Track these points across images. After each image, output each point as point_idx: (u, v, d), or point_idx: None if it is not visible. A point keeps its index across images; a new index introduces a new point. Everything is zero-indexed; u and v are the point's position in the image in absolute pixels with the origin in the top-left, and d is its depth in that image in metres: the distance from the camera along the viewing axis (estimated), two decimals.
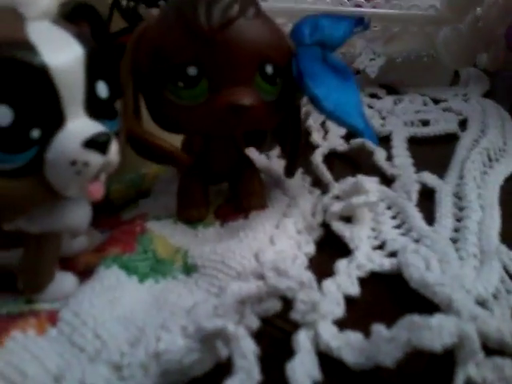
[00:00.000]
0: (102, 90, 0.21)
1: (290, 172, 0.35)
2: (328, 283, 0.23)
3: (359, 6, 0.61)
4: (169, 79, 0.27)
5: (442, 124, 0.49)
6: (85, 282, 0.24)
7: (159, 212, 0.32)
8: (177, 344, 0.20)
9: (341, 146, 0.44)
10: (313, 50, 0.29)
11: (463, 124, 0.49)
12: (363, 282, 0.25)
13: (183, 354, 0.19)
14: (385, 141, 0.45)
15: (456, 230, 0.29)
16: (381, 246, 0.28)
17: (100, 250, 0.27)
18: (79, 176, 0.20)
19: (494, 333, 0.19)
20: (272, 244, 0.28)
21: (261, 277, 0.24)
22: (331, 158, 0.42)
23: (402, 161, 0.40)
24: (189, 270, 0.26)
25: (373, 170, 0.39)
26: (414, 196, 0.33)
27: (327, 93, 0.28)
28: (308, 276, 0.22)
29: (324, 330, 0.20)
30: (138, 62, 0.28)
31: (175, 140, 0.32)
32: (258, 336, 0.20)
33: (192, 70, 0.26)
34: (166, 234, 0.29)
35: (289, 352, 0.19)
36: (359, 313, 0.23)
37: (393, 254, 0.27)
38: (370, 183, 0.31)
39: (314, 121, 0.50)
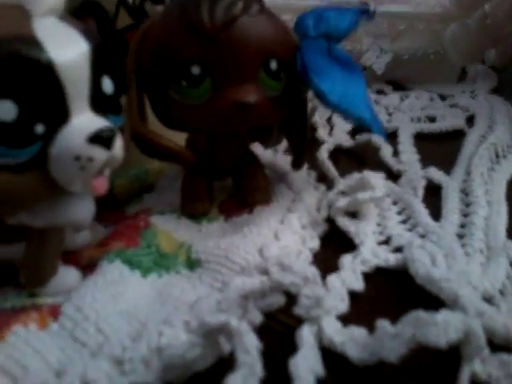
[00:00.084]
0: (107, 85, 0.21)
1: (297, 165, 0.35)
2: (332, 278, 0.23)
3: (365, 3, 0.61)
4: (172, 78, 0.27)
5: (449, 120, 0.49)
6: (88, 276, 0.24)
7: (163, 207, 0.32)
8: (179, 339, 0.20)
9: (347, 141, 0.44)
10: (317, 42, 0.29)
11: (470, 120, 0.49)
12: (368, 277, 0.25)
13: (185, 348, 0.18)
14: (391, 137, 0.45)
15: (462, 226, 0.29)
16: (386, 242, 0.28)
17: (103, 245, 0.27)
18: (83, 171, 0.20)
19: (500, 329, 0.19)
20: (276, 239, 0.27)
21: (265, 272, 0.24)
22: (337, 153, 0.42)
23: (408, 157, 0.40)
24: (192, 264, 0.26)
25: (379, 165, 0.38)
26: (420, 192, 0.33)
27: (332, 86, 0.28)
28: (312, 271, 0.21)
29: (328, 326, 0.20)
30: (141, 60, 0.28)
31: (179, 138, 0.32)
32: (261, 331, 0.19)
33: (195, 69, 0.26)
34: (170, 229, 0.29)
35: (292, 347, 0.19)
36: (363, 308, 0.23)
37: (398, 250, 0.26)
38: (376, 179, 0.30)
39: (319, 116, 0.50)
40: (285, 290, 0.21)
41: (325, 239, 0.29)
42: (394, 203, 0.32)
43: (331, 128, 0.48)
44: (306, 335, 0.19)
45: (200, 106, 0.27)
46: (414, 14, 0.62)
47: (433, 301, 0.22)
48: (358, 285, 0.24)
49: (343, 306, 0.22)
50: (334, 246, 0.28)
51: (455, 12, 0.61)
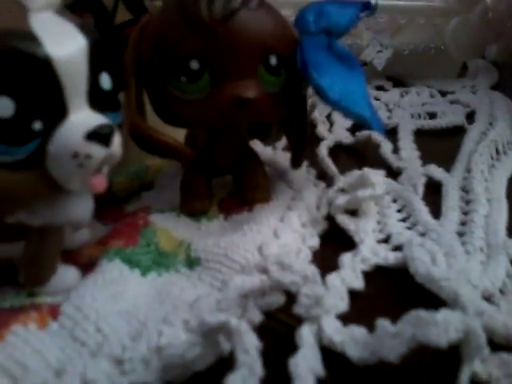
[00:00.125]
0: (106, 81, 0.21)
1: (296, 163, 0.34)
2: (332, 277, 0.23)
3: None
4: (171, 73, 0.26)
5: (450, 116, 0.49)
6: (87, 274, 0.24)
7: (162, 205, 0.32)
8: (179, 338, 0.20)
9: (346, 138, 0.43)
10: (318, 38, 0.28)
11: (471, 116, 0.49)
12: (368, 275, 0.25)
13: (185, 348, 0.18)
14: (391, 133, 0.45)
15: (462, 224, 0.29)
16: (386, 240, 0.28)
17: (103, 243, 0.27)
18: (81, 168, 0.20)
19: (500, 328, 0.19)
20: (276, 237, 0.27)
21: (264, 271, 0.24)
22: (337, 150, 0.42)
23: (408, 153, 0.39)
24: (192, 263, 0.26)
25: (379, 162, 0.38)
26: (421, 189, 0.33)
27: (332, 82, 0.27)
28: (312, 270, 0.21)
29: (327, 325, 0.20)
30: (140, 56, 0.28)
31: (178, 134, 0.32)
32: (260, 330, 0.19)
33: (194, 64, 0.26)
34: (169, 227, 0.29)
35: (292, 347, 0.19)
36: (363, 307, 0.23)
37: (398, 248, 0.26)
38: (376, 176, 0.30)
39: (319, 113, 0.49)
40: (284, 289, 0.21)
41: (324, 237, 0.29)
42: (394, 201, 0.32)
43: (331, 125, 0.47)
44: (306, 335, 0.19)
45: (199, 101, 0.27)
46: (414, 8, 0.62)
47: (433, 299, 0.22)
48: (358, 283, 0.24)
49: (343, 304, 0.22)
50: (333, 244, 0.28)
51: (456, 6, 0.60)
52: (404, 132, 0.44)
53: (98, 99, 0.20)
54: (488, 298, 0.22)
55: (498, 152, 0.40)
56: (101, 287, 0.23)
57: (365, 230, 0.28)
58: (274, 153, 0.40)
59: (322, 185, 0.34)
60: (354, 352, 0.19)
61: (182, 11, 0.26)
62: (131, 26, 0.47)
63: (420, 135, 0.44)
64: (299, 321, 0.20)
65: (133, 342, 0.20)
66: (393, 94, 0.58)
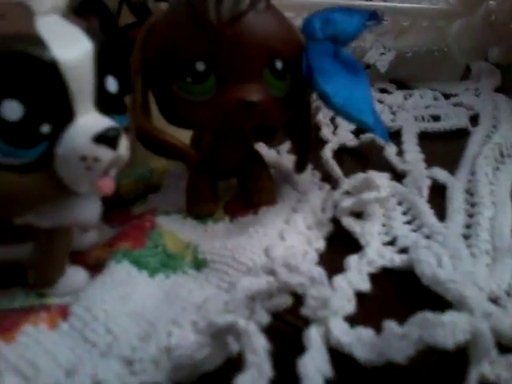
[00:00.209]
0: (112, 84, 0.21)
1: (300, 167, 0.35)
2: (339, 279, 0.23)
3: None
4: (177, 75, 0.27)
5: (453, 119, 0.49)
6: (95, 276, 0.24)
7: (168, 207, 0.32)
8: (188, 339, 0.20)
9: (351, 141, 0.44)
10: (324, 44, 0.29)
11: (474, 119, 0.49)
12: (374, 278, 0.25)
13: (194, 349, 0.19)
14: (395, 136, 0.45)
15: (468, 227, 0.29)
16: (391, 242, 0.28)
17: (110, 245, 0.27)
18: (89, 171, 0.20)
19: (507, 330, 0.19)
20: (282, 240, 0.28)
21: (271, 272, 0.24)
22: (341, 153, 0.42)
23: (412, 156, 0.40)
24: (199, 265, 0.26)
25: (383, 165, 0.38)
26: (425, 192, 0.33)
27: (337, 89, 0.28)
28: (319, 272, 0.21)
29: (335, 326, 0.20)
30: (146, 58, 0.28)
31: (184, 135, 0.32)
32: (268, 332, 0.20)
33: (200, 66, 0.26)
34: (176, 229, 0.29)
35: (299, 348, 0.19)
36: (369, 309, 0.23)
37: (404, 250, 0.27)
38: (381, 179, 0.31)
39: (323, 116, 0.49)
40: (292, 291, 0.22)
41: (330, 239, 0.29)
42: (399, 203, 0.32)
43: (335, 127, 0.48)
44: (314, 336, 0.19)
45: (204, 102, 0.27)
46: (417, 10, 0.62)
47: (438, 301, 0.22)
48: (365, 285, 0.24)
49: (350, 306, 0.22)
50: (339, 246, 0.28)
51: (459, 8, 0.60)
52: (408, 135, 0.45)
53: (104, 102, 0.21)
54: (494, 301, 0.22)
55: (502, 155, 0.40)
56: (109, 288, 0.23)
57: (370, 233, 0.28)
58: (279, 155, 0.40)
59: (327, 187, 0.34)
60: (361, 353, 0.19)
61: (190, 13, 0.26)
62: (135, 29, 0.47)
63: (424, 138, 0.45)
64: (306, 322, 0.20)
65: (142, 343, 0.20)
66: (396, 97, 0.58)
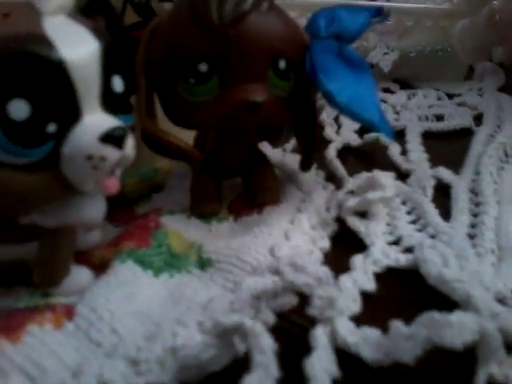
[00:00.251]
0: (118, 84, 0.21)
1: (305, 166, 0.34)
2: (344, 279, 0.23)
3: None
4: (180, 75, 0.27)
5: (457, 119, 0.49)
6: (100, 276, 0.24)
7: (173, 206, 0.32)
8: (193, 339, 0.20)
9: (354, 140, 0.44)
10: (328, 42, 0.29)
11: (478, 119, 0.49)
12: (379, 277, 0.25)
13: (200, 349, 0.18)
14: (399, 135, 0.45)
15: (473, 226, 0.29)
16: (396, 242, 0.28)
17: (115, 245, 0.27)
18: (96, 171, 0.20)
19: None
20: (287, 239, 0.27)
21: (276, 272, 0.24)
22: (345, 152, 0.42)
23: (416, 156, 0.39)
24: (203, 264, 0.26)
25: (387, 164, 0.38)
26: (430, 191, 0.33)
27: (341, 87, 0.27)
28: (325, 271, 0.21)
29: (341, 326, 0.20)
30: (151, 58, 0.28)
31: (188, 136, 0.32)
32: (274, 332, 0.19)
33: (203, 67, 0.26)
34: (180, 229, 0.29)
35: (305, 348, 0.19)
36: (375, 308, 0.23)
37: (409, 250, 0.26)
38: (386, 178, 0.30)
39: (327, 115, 0.49)
40: (297, 291, 0.21)
41: (335, 239, 0.29)
42: (404, 203, 0.32)
43: (339, 127, 0.48)
44: (320, 336, 0.19)
45: (207, 103, 0.27)
46: (421, 10, 0.62)
47: (445, 301, 0.22)
48: (370, 285, 0.24)
49: (355, 306, 0.22)
50: (344, 245, 0.28)
51: (463, 8, 0.60)
52: (412, 134, 0.44)
53: (110, 102, 0.21)
54: (501, 300, 0.22)
55: (506, 154, 0.40)
56: (114, 288, 0.23)
57: (375, 233, 0.28)
58: (283, 155, 0.40)
59: (331, 187, 0.34)
60: (368, 353, 0.19)
61: (193, 14, 0.26)
62: (139, 29, 0.47)
63: (428, 137, 0.44)
64: (312, 322, 0.20)
65: (148, 343, 0.20)
66: (400, 97, 0.58)
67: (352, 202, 0.30)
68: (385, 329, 0.19)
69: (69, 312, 0.21)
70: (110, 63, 0.20)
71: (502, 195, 0.32)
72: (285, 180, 0.35)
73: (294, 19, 0.29)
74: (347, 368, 0.19)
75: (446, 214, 0.30)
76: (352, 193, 0.32)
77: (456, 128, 0.47)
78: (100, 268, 0.25)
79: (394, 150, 0.40)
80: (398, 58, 0.61)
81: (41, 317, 0.21)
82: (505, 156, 0.39)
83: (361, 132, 0.45)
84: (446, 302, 0.22)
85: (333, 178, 0.36)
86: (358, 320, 0.21)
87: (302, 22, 0.31)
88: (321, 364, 0.18)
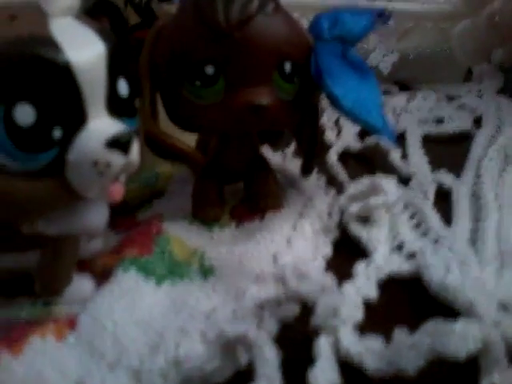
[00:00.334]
0: (123, 87, 0.21)
1: (307, 170, 0.34)
2: (347, 287, 0.23)
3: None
4: (186, 78, 0.27)
5: (457, 121, 0.48)
6: (103, 284, 0.24)
7: (174, 212, 0.32)
8: (196, 350, 0.20)
9: (355, 144, 0.43)
10: (332, 45, 0.28)
11: (478, 121, 0.48)
12: (382, 284, 0.25)
13: (204, 360, 0.18)
14: (399, 139, 0.45)
15: (474, 231, 0.29)
16: (399, 248, 0.28)
17: (117, 252, 0.27)
18: (101, 177, 0.20)
19: None
20: (289, 246, 0.27)
21: (280, 279, 0.24)
22: (345, 156, 0.42)
23: (417, 159, 0.39)
24: (206, 272, 0.26)
25: (388, 168, 0.38)
26: (431, 196, 0.33)
27: (346, 91, 0.27)
28: (328, 280, 0.21)
29: (344, 336, 0.20)
30: (155, 60, 0.28)
31: (190, 140, 0.32)
32: (277, 341, 0.19)
33: (209, 69, 0.26)
34: (182, 235, 0.29)
35: (308, 357, 0.19)
36: (378, 316, 0.23)
37: (411, 256, 0.26)
38: (388, 183, 0.30)
39: (327, 119, 0.49)
40: (301, 300, 0.21)
41: (337, 245, 0.29)
42: (405, 208, 0.32)
43: (339, 131, 0.47)
44: (323, 346, 0.19)
45: (213, 106, 0.27)
46: (421, 11, 0.62)
47: (448, 309, 0.22)
48: (373, 293, 0.24)
49: (358, 314, 0.22)
50: (346, 251, 0.28)
51: (463, 10, 0.60)
52: (412, 138, 0.44)
53: (116, 105, 0.20)
54: (504, 308, 0.22)
55: (507, 157, 0.39)
56: (117, 298, 0.23)
57: (377, 239, 0.28)
58: (284, 160, 0.40)
59: (333, 192, 0.34)
60: (370, 363, 0.19)
61: (198, 16, 0.26)
62: (140, 30, 0.47)
63: (428, 141, 0.44)
64: (316, 331, 0.20)
65: (151, 354, 0.20)
66: (399, 99, 0.58)
67: (354, 208, 0.30)
68: (387, 337, 0.19)
69: (71, 323, 0.21)
70: (115, 66, 0.20)
71: (504, 199, 0.32)
72: (286, 185, 0.35)
73: (298, 21, 0.29)
74: (350, 379, 0.19)
75: (447, 218, 0.30)
76: (354, 198, 0.32)
77: (456, 131, 0.46)
78: (102, 276, 0.25)
79: (395, 154, 0.40)
80: (397, 60, 0.61)
81: (43, 328, 0.21)
82: (506, 158, 0.39)
83: (361, 136, 0.45)
84: (450, 309, 0.22)
85: (333, 183, 0.36)
86: (361, 328, 0.21)
87: (304, 23, 0.30)
88: (324, 375, 0.18)
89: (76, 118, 0.19)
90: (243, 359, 0.18)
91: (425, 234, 0.29)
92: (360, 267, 0.25)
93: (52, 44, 0.18)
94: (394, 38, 0.63)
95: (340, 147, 0.43)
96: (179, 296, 0.24)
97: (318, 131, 0.33)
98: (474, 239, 0.28)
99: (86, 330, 0.21)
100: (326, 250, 0.28)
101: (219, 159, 0.32)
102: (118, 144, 0.19)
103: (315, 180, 0.36)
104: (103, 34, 0.20)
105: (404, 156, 0.41)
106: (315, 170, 0.37)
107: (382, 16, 0.30)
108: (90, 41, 0.20)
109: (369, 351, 0.19)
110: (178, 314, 0.22)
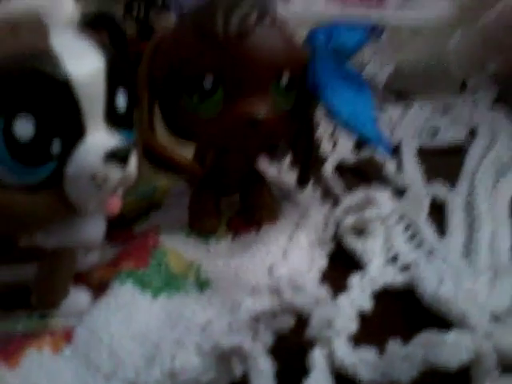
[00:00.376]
0: (122, 100, 0.21)
1: (302, 182, 0.35)
2: (342, 299, 0.23)
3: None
4: (184, 91, 0.27)
5: (452, 133, 0.49)
6: (99, 297, 0.24)
7: (171, 225, 0.32)
8: (192, 362, 0.20)
9: (350, 156, 0.44)
10: (328, 58, 0.29)
11: (473, 132, 0.49)
12: (376, 296, 0.25)
13: (199, 372, 0.19)
14: (394, 150, 0.45)
15: (468, 243, 0.29)
16: (393, 259, 0.28)
17: (114, 265, 0.27)
18: (99, 190, 0.20)
19: (510, 349, 0.19)
20: (285, 257, 0.28)
21: (275, 291, 0.24)
22: (341, 168, 0.42)
23: (412, 171, 0.40)
24: (202, 284, 0.26)
25: (383, 180, 0.38)
26: (426, 208, 0.33)
27: (341, 103, 0.28)
28: (323, 292, 0.22)
29: (339, 347, 0.20)
30: (153, 74, 0.28)
31: (188, 150, 0.32)
32: (272, 352, 0.20)
33: (208, 82, 0.26)
34: (179, 248, 0.29)
35: (303, 368, 0.19)
36: (372, 327, 0.23)
37: (405, 268, 0.27)
38: (382, 196, 0.31)
39: (323, 131, 0.50)
40: (296, 312, 0.22)
41: (332, 257, 0.29)
42: (400, 220, 0.32)
43: (335, 143, 0.48)
44: (318, 358, 0.19)
45: (211, 120, 0.27)
46: (416, 24, 0.63)
47: (442, 320, 0.22)
48: (367, 305, 0.24)
49: (353, 326, 0.22)
50: (341, 263, 0.28)
51: (457, 22, 0.61)
52: (407, 149, 0.45)
53: (114, 118, 0.21)
54: (496, 319, 0.22)
55: (501, 168, 0.40)
56: (114, 310, 0.23)
57: (372, 250, 0.28)
58: (280, 172, 0.40)
59: (328, 204, 0.34)
60: (365, 374, 0.19)
61: (197, 29, 0.26)
62: (139, 42, 0.48)
63: (423, 152, 0.45)
64: (311, 343, 0.21)
65: (147, 366, 0.20)
66: (395, 111, 0.58)
67: (349, 220, 0.30)
68: (381, 348, 0.20)
69: (67, 335, 0.22)
70: (114, 79, 0.20)
71: (497, 210, 0.32)
72: (282, 197, 0.35)
73: (294, 33, 0.29)
74: None
75: (441, 230, 0.31)
76: (349, 210, 0.32)
77: (451, 142, 0.47)
78: (99, 289, 0.25)
79: (390, 165, 0.40)
80: (393, 72, 0.62)
81: (39, 341, 0.21)
82: (500, 170, 0.39)
83: (357, 147, 0.45)
84: (443, 320, 0.22)
85: (329, 195, 0.36)
86: (355, 339, 0.21)
87: (301, 35, 0.31)
88: None
89: (75, 132, 0.19)
90: (238, 370, 0.18)
91: (419, 245, 0.29)
92: (355, 279, 0.26)
93: (52, 58, 0.18)
94: (389, 50, 0.63)
95: (336, 159, 0.43)
96: (175, 309, 0.24)
97: (314, 143, 0.33)
98: (468, 250, 0.28)
99: (83, 343, 0.21)
100: (322, 261, 0.28)
101: (216, 171, 0.32)
102: (117, 158, 0.20)
103: (311, 192, 0.36)
104: (103, 47, 0.21)
105: (399, 168, 0.41)
106: (311, 182, 0.37)
107: (376, 30, 0.31)
108: (89, 54, 0.20)
109: (363, 362, 0.20)
110: (174, 327, 0.23)
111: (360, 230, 0.30)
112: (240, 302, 0.23)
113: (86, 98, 0.19)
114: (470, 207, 0.33)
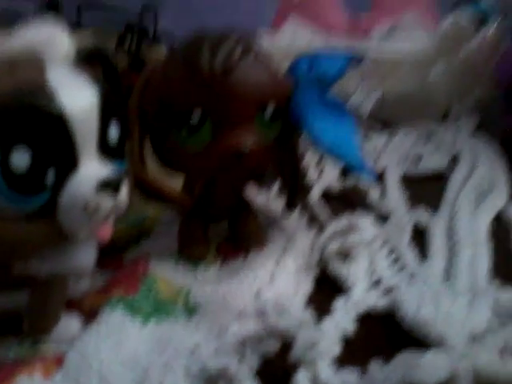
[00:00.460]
0: (114, 132, 0.22)
1: (291, 205, 0.35)
2: (326, 322, 0.24)
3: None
4: (173, 126, 0.28)
5: (435, 159, 0.50)
6: (90, 322, 0.25)
7: (160, 252, 0.33)
8: None
9: (336, 184, 0.45)
10: (310, 86, 0.30)
11: (455, 159, 0.50)
12: (360, 319, 0.26)
13: None
14: (379, 177, 0.46)
15: (448, 267, 0.30)
16: (377, 283, 0.29)
17: (105, 292, 0.27)
18: (91, 219, 0.20)
19: (486, 369, 0.20)
20: (272, 282, 0.28)
21: (261, 315, 0.24)
22: (327, 195, 0.43)
23: (395, 198, 0.41)
24: (190, 310, 0.27)
25: (367, 207, 0.39)
26: (408, 233, 0.34)
27: (324, 130, 0.29)
28: (307, 315, 0.22)
29: (322, 370, 0.21)
30: (144, 107, 0.29)
31: (177, 181, 0.33)
32: (258, 375, 0.20)
33: (195, 118, 0.27)
34: (168, 275, 0.30)
35: None
36: (355, 349, 0.24)
37: (388, 291, 0.28)
38: (364, 222, 0.32)
39: (309, 159, 0.51)
40: (281, 335, 0.22)
41: (318, 281, 0.30)
42: (383, 245, 0.33)
43: (321, 171, 0.49)
44: (302, 380, 0.20)
45: (198, 154, 0.28)
46: (399, 53, 0.65)
47: (422, 341, 0.23)
48: (351, 327, 0.25)
49: (336, 348, 0.23)
50: (326, 287, 0.29)
51: (439, 53, 0.63)
52: (391, 176, 0.46)
53: (106, 149, 0.21)
54: (474, 340, 0.23)
55: (481, 194, 0.41)
56: (104, 337, 0.23)
57: (356, 275, 0.29)
58: (267, 200, 0.41)
59: (314, 230, 0.35)
60: None
61: (185, 64, 0.27)
62: (131, 75, 0.49)
63: (406, 179, 0.46)
64: (295, 366, 0.21)
65: None
66: (379, 138, 0.60)
67: (334, 246, 0.31)
68: (364, 369, 0.20)
69: (58, 360, 0.22)
70: (107, 112, 0.21)
71: (477, 235, 0.33)
72: (269, 224, 0.36)
73: (280, 65, 0.30)
74: None
75: (423, 254, 0.32)
76: (333, 236, 0.33)
77: (434, 168, 0.48)
78: (90, 315, 0.26)
79: (374, 192, 0.42)
80: (377, 101, 0.63)
81: (30, 367, 0.21)
82: (480, 196, 0.41)
83: (343, 175, 0.46)
84: (424, 342, 0.23)
85: (315, 221, 0.37)
86: (339, 361, 0.22)
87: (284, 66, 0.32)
88: None
89: (68, 163, 0.20)
90: None
91: (401, 269, 0.30)
92: (339, 303, 0.26)
93: (48, 93, 0.19)
94: (374, 80, 0.65)
95: (321, 187, 0.44)
96: (164, 334, 0.25)
97: (300, 171, 0.34)
98: (448, 274, 0.29)
99: (73, 368, 0.21)
100: (307, 286, 0.29)
101: (204, 201, 0.33)
102: (109, 187, 0.20)
103: (297, 218, 0.37)
104: (96, 81, 0.22)
105: (383, 194, 0.42)
106: (297, 209, 0.38)
107: (355, 58, 0.32)
108: (83, 89, 0.21)
109: None
110: (163, 351, 0.23)
111: (344, 255, 0.31)
112: (227, 326, 0.24)
113: (79, 131, 0.20)
114: (450, 232, 0.34)
